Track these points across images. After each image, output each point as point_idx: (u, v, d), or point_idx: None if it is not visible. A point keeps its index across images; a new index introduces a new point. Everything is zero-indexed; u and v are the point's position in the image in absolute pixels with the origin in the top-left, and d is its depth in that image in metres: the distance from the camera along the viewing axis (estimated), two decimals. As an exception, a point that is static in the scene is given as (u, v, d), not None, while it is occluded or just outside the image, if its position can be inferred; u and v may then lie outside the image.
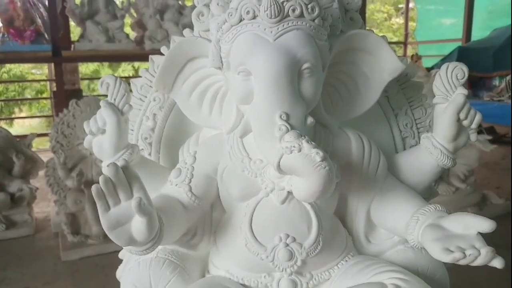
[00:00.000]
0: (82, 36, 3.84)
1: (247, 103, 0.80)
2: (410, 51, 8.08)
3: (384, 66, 0.89)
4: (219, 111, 0.90)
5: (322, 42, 0.80)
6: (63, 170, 2.51)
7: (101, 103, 0.89)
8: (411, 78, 1.04)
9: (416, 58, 6.50)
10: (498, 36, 6.25)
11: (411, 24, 8.73)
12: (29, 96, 9.33)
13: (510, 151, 4.81)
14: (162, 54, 0.98)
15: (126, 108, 0.91)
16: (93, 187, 0.68)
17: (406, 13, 8.85)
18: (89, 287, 2.12)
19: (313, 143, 0.70)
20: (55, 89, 4.45)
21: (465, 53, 6.24)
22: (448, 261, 0.69)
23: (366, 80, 0.90)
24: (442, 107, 0.88)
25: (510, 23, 6.10)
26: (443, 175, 3.02)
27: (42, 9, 3.62)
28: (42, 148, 4.55)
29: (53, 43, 3.71)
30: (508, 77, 5.67)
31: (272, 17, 0.75)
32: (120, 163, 0.71)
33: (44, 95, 9.01)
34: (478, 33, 6.87)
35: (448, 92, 0.88)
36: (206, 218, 0.95)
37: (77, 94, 4.01)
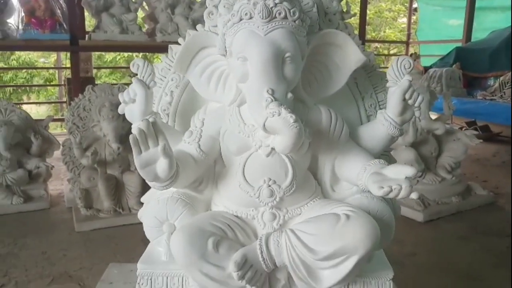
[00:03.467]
0: (97, 27, 3.98)
1: (243, 81, 1.03)
2: (414, 50, 8.18)
3: (350, 58, 1.12)
4: (223, 88, 1.12)
5: (301, 38, 1.03)
6: (78, 150, 2.64)
7: (133, 79, 1.13)
8: (376, 69, 1.28)
9: (415, 57, 6.67)
10: (495, 38, 6.27)
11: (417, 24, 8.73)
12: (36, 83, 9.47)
13: (501, 148, 4.91)
14: (174, 44, 1.24)
15: (152, 84, 1.15)
16: (131, 136, 0.92)
17: (409, 13, 8.91)
18: (100, 254, 2.32)
19: (289, 109, 0.93)
20: (69, 76, 4.65)
21: (462, 54, 6.31)
22: (381, 195, 0.94)
23: (337, 68, 1.14)
24: (393, 90, 1.11)
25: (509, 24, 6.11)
26: (430, 166, 3.08)
27: (61, 1, 3.82)
28: (53, 132, 4.72)
29: (71, 32, 3.88)
30: (502, 78, 5.84)
31: (264, 18, 0.98)
32: (150, 119, 0.96)
33: (52, 83, 9.18)
34: (483, 34, 6.82)
35: (397, 78, 1.11)
36: (210, 170, 1.19)
37: (90, 81, 4.21)
